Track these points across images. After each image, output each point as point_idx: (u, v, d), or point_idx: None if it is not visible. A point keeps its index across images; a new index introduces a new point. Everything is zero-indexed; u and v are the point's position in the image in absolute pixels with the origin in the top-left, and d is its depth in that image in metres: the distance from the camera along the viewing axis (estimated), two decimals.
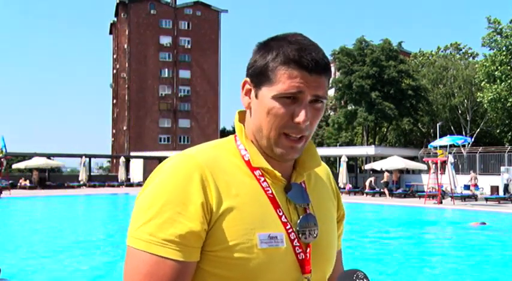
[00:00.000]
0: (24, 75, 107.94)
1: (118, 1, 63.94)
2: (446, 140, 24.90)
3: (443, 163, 23.03)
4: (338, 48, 38.32)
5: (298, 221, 1.03)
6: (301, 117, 0.97)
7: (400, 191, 26.89)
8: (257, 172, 1.03)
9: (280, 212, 1.01)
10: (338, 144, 43.20)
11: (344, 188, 28.77)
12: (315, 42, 1.03)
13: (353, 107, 38.07)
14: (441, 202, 21.71)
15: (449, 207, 20.47)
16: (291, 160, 1.06)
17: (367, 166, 29.79)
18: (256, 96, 1.02)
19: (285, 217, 1.01)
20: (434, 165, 23.30)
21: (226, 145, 1.07)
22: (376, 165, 28.07)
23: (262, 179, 1.03)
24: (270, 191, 1.02)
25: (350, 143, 45.30)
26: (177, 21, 64.38)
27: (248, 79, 1.05)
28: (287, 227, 1.01)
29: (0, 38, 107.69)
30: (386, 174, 27.36)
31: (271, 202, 1.01)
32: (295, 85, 0.97)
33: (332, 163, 44.95)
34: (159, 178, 0.97)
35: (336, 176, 30.20)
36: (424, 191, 24.45)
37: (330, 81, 1.04)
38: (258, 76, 1.01)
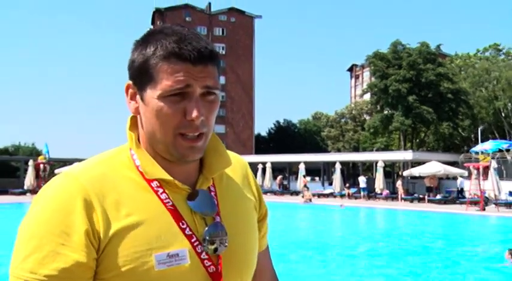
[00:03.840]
0: (66, 84, 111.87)
1: (154, 9, 65.31)
2: (488, 145, 24.14)
3: (486, 168, 22.30)
4: (372, 53, 37.93)
5: (205, 231, 0.93)
6: (193, 113, 0.89)
7: (439, 197, 26.19)
8: (154, 183, 0.93)
9: (183, 224, 0.92)
10: (374, 149, 42.51)
11: (381, 193, 28.30)
12: (195, 31, 0.94)
13: (389, 111, 37.43)
14: (484, 209, 21.00)
15: (493, 214, 19.77)
16: (193, 161, 0.96)
17: (405, 173, 29.16)
18: (142, 99, 0.92)
19: (190, 230, 0.92)
20: (476, 170, 22.61)
21: (118, 157, 0.96)
22: (414, 171, 27.43)
23: (161, 190, 0.93)
24: (170, 203, 0.92)
25: (386, 148, 44.52)
26: (211, 27, 65.16)
27: (131, 82, 0.95)
28: (192, 240, 0.91)
29: (46, 48, 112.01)
30: (428, 178, 26.76)
31: (172, 215, 0.91)
32: (180, 79, 0.88)
33: (368, 168, 44.26)
34: (40, 205, 0.88)
35: (372, 181, 29.72)
36: (465, 198, 23.69)
37: (219, 69, 0.95)
38: (140, 77, 0.92)
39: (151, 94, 0.90)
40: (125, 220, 0.87)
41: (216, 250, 0.93)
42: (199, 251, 0.91)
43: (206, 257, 0.92)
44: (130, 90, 0.95)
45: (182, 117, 0.90)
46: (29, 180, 28.60)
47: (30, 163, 29.10)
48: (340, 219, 19.91)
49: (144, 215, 0.89)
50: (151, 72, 0.90)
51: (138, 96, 0.94)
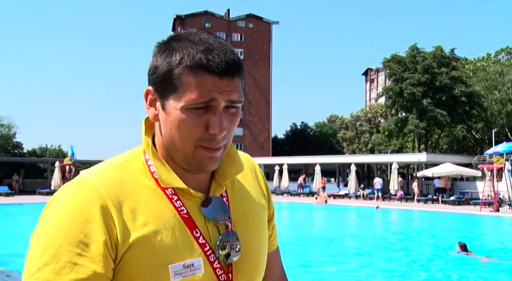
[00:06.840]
0: (91, 86, 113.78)
1: (175, 16, 66.51)
2: (502, 147, 24.41)
3: (500, 170, 22.57)
4: (389, 56, 38.31)
5: (217, 242, 0.92)
6: (216, 128, 0.86)
7: (453, 198, 26.51)
8: (169, 191, 0.91)
9: (197, 233, 0.90)
10: (389, 151, 42.84)
11: (395, 195, 28.68)
12: (221, 39, 0.90)
13: (404, 114, 37.81)
14: (498, 210, 21.19)
15: (507, 215, 19.64)
16: (210, 171, 0.95)
17: (419, 173, 29.51)
18: (163, 108, 0.89)
19: (203, 238, 0.91)
20: (490, 172, 22.87)
21: (133, 162, 0.94)
22: (428, 172, 27.80)
23: (175, 198, 0.91)
24: (185, 211, 0.91)
25: (401, 150, 44.77)
26: (230, 33, 66.03)
27: (151, 88, 0.91)
28: (205, 249, 0.91)
29: (73, 52, 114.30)
30: (442, 179, 27.06)
31: (186, 224, 0.90)
32: (205, 93, 0.85)
33: (383, 170, 44.57)
34: (54, 212, 0.85)
35: (387, 183, 30.15)
36: (479, 199, 23.98)
37: (242, 79, 0.93)
38: (162, 85, 0.88)
39: (174, 105, 0.87)
40: (142, 230, 0.86)
41: (228, 255, 0.93)
42: (211, 260, 0.91)
43: (218, 265, 0.91)
44: (150, 96, 0.92)
45: (204, 130, 0.87)
46: (55, 181, 29.14)
47: (57, 164, 29.75)
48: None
49: (160, 224, 0.88)
50: (175, 82, 0.86)
51: (158, 104, 0.91)
